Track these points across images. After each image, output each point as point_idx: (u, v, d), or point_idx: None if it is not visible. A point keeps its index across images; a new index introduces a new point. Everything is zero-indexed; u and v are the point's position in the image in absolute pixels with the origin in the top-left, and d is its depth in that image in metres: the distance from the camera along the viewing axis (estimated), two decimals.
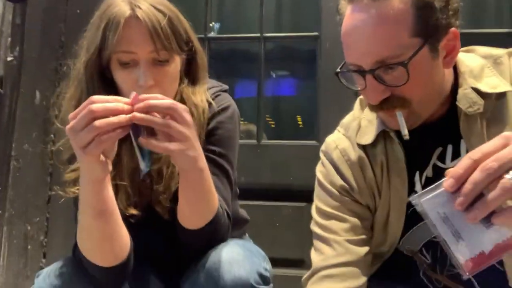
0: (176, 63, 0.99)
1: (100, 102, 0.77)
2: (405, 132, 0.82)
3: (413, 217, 0.87)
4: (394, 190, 0.90)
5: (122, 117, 0.77)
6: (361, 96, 0.98)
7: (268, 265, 1.00)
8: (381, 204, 0.92)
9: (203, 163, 0.87)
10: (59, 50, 1.82)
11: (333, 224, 0.92)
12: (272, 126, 2.19)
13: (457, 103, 0.84)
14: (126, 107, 0.78)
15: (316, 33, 1.90)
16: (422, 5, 0.79)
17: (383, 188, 0.91)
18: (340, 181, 0.94)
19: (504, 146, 0.59)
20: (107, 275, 0.94)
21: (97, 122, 0.75)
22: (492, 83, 0.86)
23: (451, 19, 0.81)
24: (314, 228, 0.95)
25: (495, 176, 0.57)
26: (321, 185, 0.96)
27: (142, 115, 0.77)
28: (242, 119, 2.03)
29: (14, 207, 1.81)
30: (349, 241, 0.90)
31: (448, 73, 0.87)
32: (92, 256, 0.91)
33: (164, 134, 0.80)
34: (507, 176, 0.57)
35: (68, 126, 0.77)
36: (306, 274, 0.92)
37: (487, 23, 1.94)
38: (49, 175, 1.83)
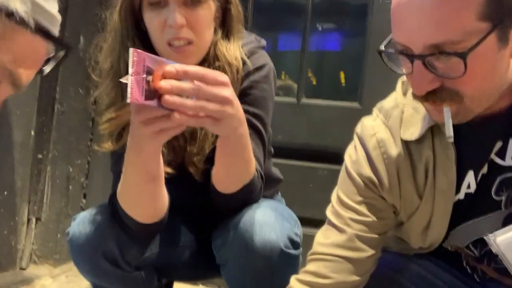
0: (210, 8, 0.96)
1: None
2: (450, 133, 0.70)
3: (457, 216, 0.80)
4: (440, 192, 0.80)
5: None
6: (404, 78, 0.85)
7: (299, 230, 1.00)
8: (422, 207, 0.82)
9: (244, 128, 0.85)
10: None
11: (349, 216, 0.84)
12: (314, 83, 2.13)
13: None
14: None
15: None
16: None
17: (426, 190, 0.81)
18: (369, 173, 0.83)
19: None
20: (144, 229, 0.97)
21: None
22: None
23: None
24: (329, 213, 0.88)
25: None
26: (348, 173, 0.86)
27: (173, 99, 0.72)
28: (283, 73, 1.99)
29: (57, 148, 1.88)
30: (359, 237, 0.83)
31: None
32: (134, 213, 0.94)
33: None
34: None
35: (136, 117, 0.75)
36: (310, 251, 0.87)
37: None
38: (91, 120, 1.88)
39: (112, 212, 0.99)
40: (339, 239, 0.84)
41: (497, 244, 0.58)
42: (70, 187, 1.89)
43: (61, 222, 1.87)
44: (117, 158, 1.03)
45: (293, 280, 0.85)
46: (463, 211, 0.80)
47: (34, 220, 1.86)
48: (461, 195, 0.80)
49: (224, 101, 0.76)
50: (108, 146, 1.00)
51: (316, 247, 0.86)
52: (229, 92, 0.77)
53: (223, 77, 0.77)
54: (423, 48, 0.67)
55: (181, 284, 1.50)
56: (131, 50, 0.70)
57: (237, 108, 0.80)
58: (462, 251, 0.85)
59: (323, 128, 1.75)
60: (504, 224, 0.78)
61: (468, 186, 0.79)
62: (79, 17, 1.82)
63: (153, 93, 0.72)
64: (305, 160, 1.76)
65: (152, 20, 0.94)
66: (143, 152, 0.83)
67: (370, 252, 0.84)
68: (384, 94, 0.90)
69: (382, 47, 0.73)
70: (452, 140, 0.72)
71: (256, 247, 0.91)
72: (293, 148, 1.73)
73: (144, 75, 0.70)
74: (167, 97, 0.71)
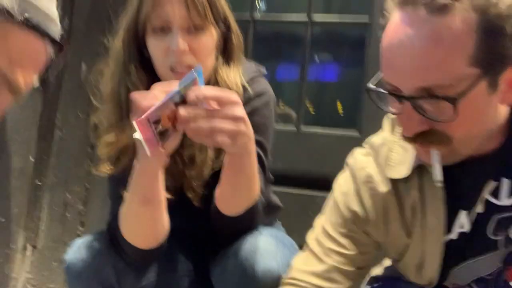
0: (212, 35, 0.98)
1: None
2: (438, 177, 0.70)
3: (453, 255, 0.80)
4: (430, 231, 0.79)
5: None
6: (391, 115, 0.84)
7: None
8: (412, 246, 0.81)
9: (253, 145, 0.86)
10: (106, 24, 1.84)
11: (331, 246, 0.85)
12: (312, 113, 2.15)
13: None
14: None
15: (366, 21, 1.82)
16: (490, 29, 0.63)
17: (414, 228, 0.80)
18: (356, 207, 0.83)
19: None
20: (142, 255, 0.96)
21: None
22: None
23: None
24: (311, 240, 0.88)
25: None
26: (335, 204, 0.87)
27: (194, 127, 0.76)
28: (282, 103, 2.01)
29: (56, 175, 1.87)
30: (337, 270, 0.83)
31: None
32: (132, 238, 0.94)
33: None
34: None
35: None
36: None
37: None
38: (91, 147, 1.87)
39: (110, 238, 0.98)
40: (317, 268, 0.85)
41: None
42: (68, 214, 1.88)
43: (57, 250, 1.84)
44: (114, 183, 1.03)
45: None
46: (459, 251, 0.80)
47: (30, 248, 1.83)
48: (453, 235, 0.79)
49: (238, 119, 0.78)
50: (106, 169, 1.00)
51: (294, 272, 0.87)
52: (241, 111, 0.79)
53: (235, 96, 0.80)
54: (413, 91, 0.67)
55: None
56: (134, 123, 0.75)
57: (249, 125, 0.82)
58: None
59: (322, 156, 1.76)
60: (505, 263, 0.78)
61: (462, 226, 0.79)
62: (81, 43, 1.85)
63: (165, 131, 0.78)
64: (304, 188, 1.75)
65: (155, 45, 0.96)
66: (144, 174, 0.84)
67: (346, 284, 0.84)
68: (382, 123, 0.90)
69: (371, 85, 0.72)
70: (440, 184, 0.71)
71: (257, 276, 0.90)
72: (293, 176, 1.73)
73: (153, 130, 0.76)
74: (184, 125, 0.77)
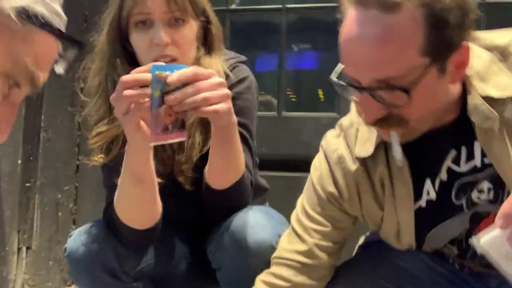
0: (192, 27, 1.02)
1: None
2: (398, 157, 0.77)
3: (424, 222, 0.86)
4: (400, 200, 0.85)
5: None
6: None
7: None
8: (387, 216, 0.87)
9: (235, 118, 0.92)
10: (83, 24, 1.86)
11: (310, 225, 0.91)
12: (293, 100, 2.20)
13: (468, 115, 0.78)
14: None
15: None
16: (435, 21, 0.69)
17: (385, 200, 0.87)
18: (331, 188, 0.90)
19: None
20: (138, 236, 1.00)
21: (126, 92, 0.80)
22: (502, 84, 0.78)
23: (465, 33, 0.72)
24: (293, 220, 0.95)
25: None
26: (312, 185, 0.93)
27: (184, 104, 0.81)
28: (262, 92, 2.06)
29: (45, 176, 1.89)
30: (318, 246, 0.90)
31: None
32: (128, 218, 0.97)
33: None
34: None
35: (111, 97, 0.84)
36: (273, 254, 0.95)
37: None
38: (77, 145, 1.90)
39: (108, 224, 1.02)
40: (300, 247, 0.91)
41: (481, 245, 0.64)
42: (60, 213, 1.90)
43: (52, 249, 1.87)
44: (108, 172, 1.07)
45: (257, 280, 0.92)
46: (429, 217, 0.86)
47: (24, 249, 1.85)
48: (423, 203, 0.86)
49: (219, 85, 0.84)
50: (98, 159, 1.04)
51: (280, 251, 0.94)
52: (218, 79, 0.85)
53: (209, 71, 0.86)
54: (370, 82, 0.72)
55: None
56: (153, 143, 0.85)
57: (230, 95, 0.87)
58: (442, 250, 0.91)
59: (305, 138, 1.81)
60: (472, 222, 0.85)
61: (428, 193, 0.85)
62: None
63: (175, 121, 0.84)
64: (289, 170, 1.81)
65: (138, 39, 1.00)
66: (132, 153, 0.88)
67: (327, 259, 0.91)
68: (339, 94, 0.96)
69: (334, 78, 0.78)
70: (401, 164, 0.78)
71: (250, 248, 0.95)
72: (277, 159, 1.78)
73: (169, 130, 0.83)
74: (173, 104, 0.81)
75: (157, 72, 0.80)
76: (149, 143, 0.84)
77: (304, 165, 1.79)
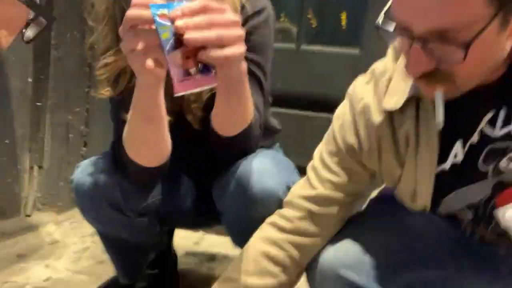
0: None
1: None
2: (440, 119, 0.68)
3: (443, 185, 0.81)
4: (422, 162, 0.80)
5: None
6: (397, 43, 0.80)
7: (297, 178, 1.01)
8: (405, 175, 0.82)
9: (244, 64, 0.83)
10: None
11: (324, 174, 0.88)
12: (314, 26, 2.08)
13: None
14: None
15: None
16: None
17: (407, 158, 0.81)
18: (352, 139, 0.85)
19: None
20: (146, 174, 0.98)
21: (132, 30, 0.72)
22: None
23: None
24: (309, 168, 0.91)
25: None
26: (333, 134, 0.88)
27: (196, 35, 0.70)
28: (283, 14, 1.94)
29: (55, 96, 1.86)
30: (330, 196, 0.87)
31: None
32: (136, 156, 0.95)
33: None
34: None
35: (119, 29, 0.75)
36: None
37: None
38: (88, 66, 1.85)
39: (115, 159, 1.00)
40: (311, 195, 0.88)
41: (506, 219, 0.59)
42: (70, 135, 1.90)
43: (62, 170, 1.89)
44: (115, 105, 1.03)
45: (265, 222, 0.91)
46: (450, 181, 0.81)
47: (36, 168, 1.87)
48: (447, 166, 0.80)
49: (234, 24, 0.74)
50: (105, 92, 1.00)
51: (291, 196, 0.92)
52: (232, 16, 0.75)
53: (221, 6, 0.75)
54: (425, 32, 0.64)
55: (182, 231, 1.53)
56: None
57: (243, 37, 0.77)
58: (454, 215, 0.87)
59: (322, 76, 1.72)
60: (493, 190, 0.79)
61: (455, 156, 0.79)
62: None
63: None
64: (303, 109, 1.74)
65: None
66: (142, 90, 0.82)
67: (337, 210, 0.88)
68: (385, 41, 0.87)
69: (380, 22, 0.69)
70: (441, 126, 0.70)
71: (254, 195, 0.93)
72: (291, 96, 1.71)
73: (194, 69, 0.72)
74: (188, 36, 0.70)
75: (157, 13, 0.70)
76: (174, 93, 0.73)
77: (318, 104, 1.75)
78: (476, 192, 0.81)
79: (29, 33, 0.50)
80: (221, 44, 0.72)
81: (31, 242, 1.65)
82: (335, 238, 0.90)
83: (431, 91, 0.70)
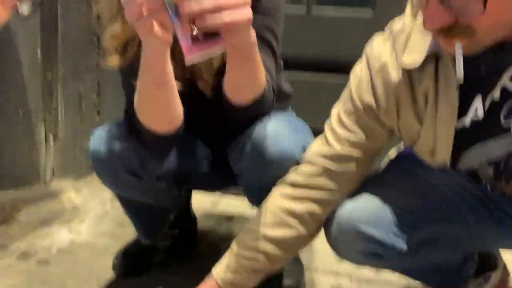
0: None
1: None
2: (460, 72, 0.68)
3: (464, 140, 0.81)
4: (441, 118, 0.80)
5: None
6: None
7: (313, 139, 1.03)
8: (425, 131, 0.83)
9: (254, 36, 0.83)
10: None
11: (342, 132, 0.88)
12: None
13: None
14: None
15: None
16: None
17: (426, 116, 0.81)
18: (369, 98, 0.84)
19: None
20: (160, 140, 1.00)
21: None
22: None
23: None
24: (326, 128, 0.92)
25: None
26: (350, 93, 0.88)
27: (191, 7, 0.69)
28: None
29: (65, 67, 1.88)
30: (348, 155, 0.88)
31: None
32: (148, 121, 0.96)
33: None
34: None
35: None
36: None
37: None
38: (96, 35, 1.85)
39: (129, 125, 1.02)
40: (328, 152, 0.89)
41: None
42: (83, 104, 1.92)
43: (78, 138, 1.92)
44: (125, 74, 1.04)
45: (282, 178, 0.93)
46: (470, 136, 0.81)
47: (51, 137, 1.91)
48: (467, 122, 0.80)
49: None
50: (113, 62, 1.00)
51: (309, 154, 0.92)
52: None
53: None
54: None
55: (200, 194, 1.57)
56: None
57: (249, 2, 0.76)
58: (475, 171, 0.88)
59: (334, 39, 1.71)
60: None
61: (476, 112, 0.79)
62: None
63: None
64: (315, 72, 1.74)
65: None
66: (149, 56, 0.83)
67: (355, 168, 0.89)
68: (398, 2, 0.86)
69: None
70: (461, 80, 0.70)
71: (271, 157, 0.95)
72: (303, 60, 1.70)
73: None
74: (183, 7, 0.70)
75: None
76: (185, 63, 0.73)
77: (330, 67, 1.74)
78: (498, 147, 0.81)
79: (24, 8, 0.50)
80: (219, 11, 0.71)
81: (52, 208, 1.71)
82: (354, 194, 0.92)
83: (451, 46, 0.69)
